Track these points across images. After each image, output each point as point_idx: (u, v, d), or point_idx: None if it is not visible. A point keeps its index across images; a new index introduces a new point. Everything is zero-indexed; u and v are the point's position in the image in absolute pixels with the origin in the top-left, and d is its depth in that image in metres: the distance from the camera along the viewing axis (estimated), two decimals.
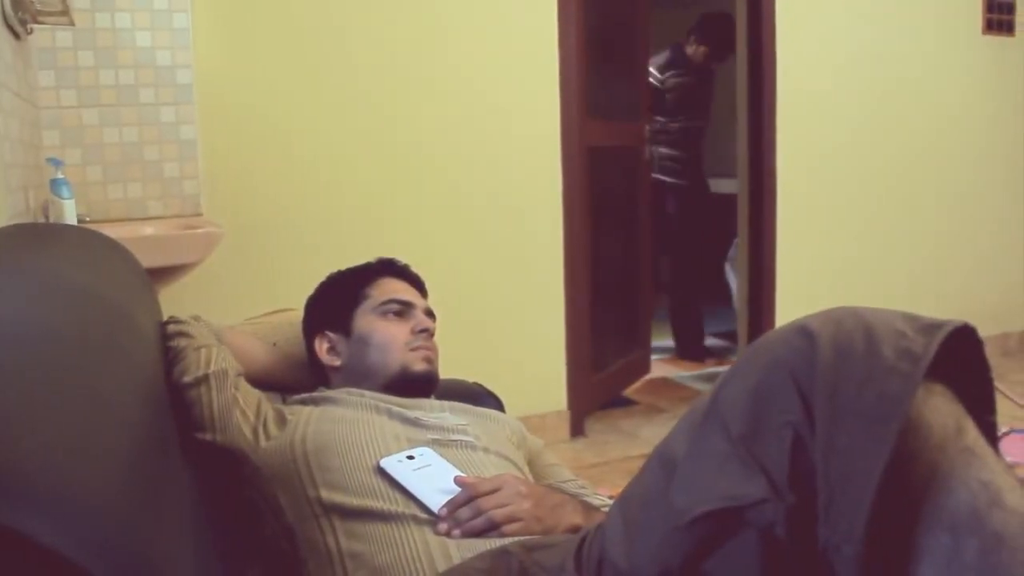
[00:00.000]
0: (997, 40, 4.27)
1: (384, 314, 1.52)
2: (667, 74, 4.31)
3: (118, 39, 2.55)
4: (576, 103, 3.23)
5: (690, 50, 4.33)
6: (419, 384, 1.48)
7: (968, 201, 4.26)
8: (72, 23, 2.23)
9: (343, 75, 2.85)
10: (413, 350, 1.49)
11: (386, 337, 1.49)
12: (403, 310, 1.53)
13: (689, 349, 4.53)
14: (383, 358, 1.48)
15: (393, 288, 1.56)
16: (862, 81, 3.90)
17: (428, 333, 1.52)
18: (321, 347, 1.54)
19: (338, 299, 1.57)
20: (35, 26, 2.22)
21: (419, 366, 1.49)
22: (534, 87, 3.16)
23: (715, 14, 4.31)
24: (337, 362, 1.52)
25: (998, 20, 4.26)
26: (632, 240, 3.87)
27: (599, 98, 3.46)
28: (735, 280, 4.31)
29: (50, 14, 2.11)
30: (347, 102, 2.86)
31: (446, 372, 1.58)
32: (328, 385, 1.52)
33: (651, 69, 4.13)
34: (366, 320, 1.52)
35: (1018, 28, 4.33)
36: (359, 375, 1.49)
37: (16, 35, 2.04)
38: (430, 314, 1.58)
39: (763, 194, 3.73)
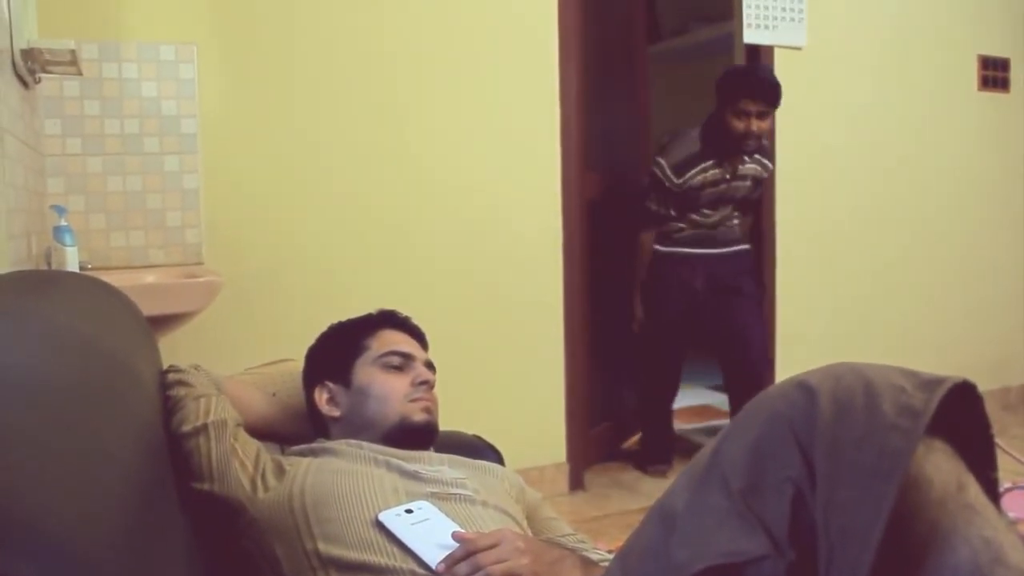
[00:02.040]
0: (992, 96, 4.33)
1: (384, 366, 1.52)
2: (689, 173, 3.32)
3: (124, 89, 2.58)
4: (576, 157, 3.26)
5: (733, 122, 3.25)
6: (418, 435, 1.47)
7: (966, 255, 4.28)
8: (80, 73, 2.26)
9: (346, 128, 2.88)
10: (412, 402, 1.49)
11: (386, 389, 1.49)
12: (403, 362, 1.53)
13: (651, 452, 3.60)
14: (382, 410, 1.47)
15: (394, 340, 1.56)
16: (860, 136, 3.94)
17: (428, 385, 1.52)
18: (321, 398, 1.53)
19: (338, 350, 1.57)
20: (43, 75, 2.25)
21: (418, 417, 1.48)
22: (535, 142, 3.19)
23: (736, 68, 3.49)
24: (336, 413, 1.52)
25: (993, 77, 4.33)
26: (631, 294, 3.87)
27: (598, 151, 3.50)
28: None
29: (59, 64, 2.14)
30: (350, 155, 2.89)
31: (445, 424, 1.57)
32: (327, 436, 1.52)
33: (660, 162, 3.34)
34: (366, 372, 1.52)
35: (1013, 85, 4.40)
36: (358, 426, 1.48)
37: (25, 84, 2.07)
38: (430, 366, 1.57)
39: (763, 246, 3.75)
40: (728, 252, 3.52)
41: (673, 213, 3.42)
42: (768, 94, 3.24)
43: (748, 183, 3.45)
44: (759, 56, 3.69)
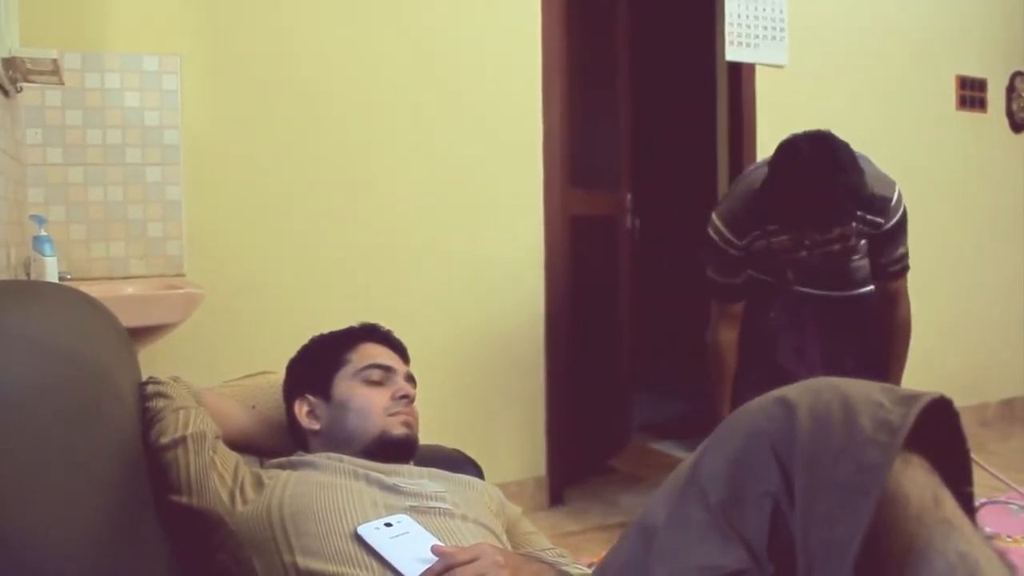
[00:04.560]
0: (970, 116, 4.38)
1: (365, 379, 1.51)
2: (749, 237, 2.50)
3: (107, 99, 2.57)
4: (559, 173, 3.27)
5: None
6: (398, 449, 1.47)
7: (944, 272, 4.31)
8: (62, 82, 2.25)
9: (328, 142, 2.88)
10: (392, 415, 1.48)
11: (366, 402, 1.49)
12: (384, 376, 1.53)
13: None
14: (362, 423, 1.47)
15: (374, 353, 1.56)
16: None
17: (408, 399, 1.52)
18: (301, 410, 1.53)
19: (319, 363, 1.56)
20: (25, 84, 2.24)
21: (398, 431, 1.48)
22: (517, 156, 3.19)
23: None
24: (316, 426, 1.51)
25: (971, 97, 4.38)
26: (613, 309, 3.89)
27: (581, 167, 3.51)
28: None
29: (41, 73, 2.13)
30: (332, 169, 2.89)
31: (426, 438, 1.57)
32: (307, 449, 1.51)
33: (721, 229, 2.54)
34: (346, 385, 1.51)
35: (990, 105, 4.45)
36: (338, 440, 1.47)
37: (6, 93, 2.06)
38: (411, 380, 1.57)
39: None
40: None
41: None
42: (819, 224, 2.32)
43: (836, 247, 2.42)
44: (741, 80, 3.71)
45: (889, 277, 2.63)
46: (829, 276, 2.57)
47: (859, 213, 2.41)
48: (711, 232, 2.53)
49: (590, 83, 3.62)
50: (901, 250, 2.58)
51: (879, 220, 2.48)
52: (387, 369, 1.54)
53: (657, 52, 5.17)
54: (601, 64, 3.78)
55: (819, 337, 2.57)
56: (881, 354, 2.66)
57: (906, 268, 2.64)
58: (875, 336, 2.69)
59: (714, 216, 2.54)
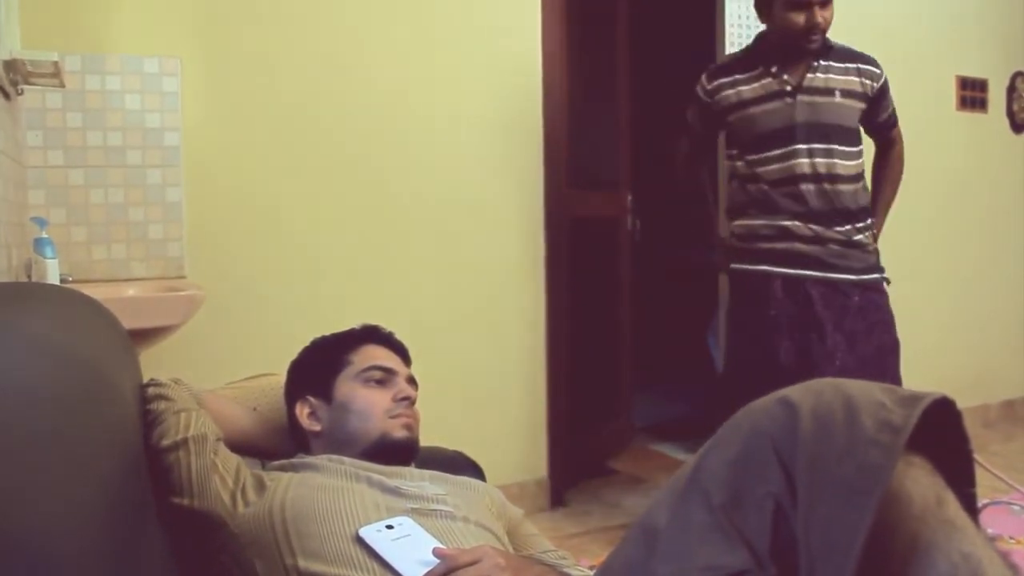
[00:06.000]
0: (971, 116, 4.38)
1: (366, 381, 1.51)
2: (716, 82, 2.63)
3: (107, 101, 2.57)
4: (560, 174, 3.27)
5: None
6: (399, 451, 1.47)
7: (946, 272, 4.32)
8: (63, 85, 2.25)
9: (329, 144, 2.88)
10: (393, 417, 1.48)
11: (367, 404, 1.49)
12: (385, 377, 1.53)
13: None
14: (363, 425, 1.47)
15: (376, 355, 1.56)
16: None
17: (409, 401, 1.52)
18: (302, 412, 1.52)
19: (320, 365, 1.56)
20: (26, 87, 2.24)
21: (399, 433, 1.48)
22: (518, 157, 3.19)
23: None
24: (317, 427, 1.51)
25: (971, 97, 4.38)
26: (614, 310, 3.89)
27: (582, 168, 3.51)
28: (718, 352, 4.32)
29: (42, 76, 2.13)
30: (332, 170, 2.89)
31: (426, 440, 1.57)
32: (308, 451, 1.51)
33: (702, 75, 2.69)
34: (348, 386, 1.51)
35: (991, 105, 4.45)
36: (339, 441, 1.47)
37: (7, 95, 2.06)
38: (412, 382, 1.57)
39: None
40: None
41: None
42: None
43: (836, 98, 2.53)
44: None
45: (890, 128, 2.77)
46: (815, 130, 2.51)
47: (856, 66, 2.58)
48: (697, 92, 2.69)
49: (591, 84, 3.62)
50: (892, 104, 2.73)
51: (877, 71, 2.63)
52: (388, 371, 1.54)
53: (657, 53, 5.16)
54: (601, 65, 3.78)
55: (826, 334, 2.50)
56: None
57: (897, 118, 2.79)
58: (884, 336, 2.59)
59: (702, 78, 2.68)
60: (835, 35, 2.63)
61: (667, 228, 5.18)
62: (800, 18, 2.44)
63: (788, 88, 2.51)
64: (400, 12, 2.97)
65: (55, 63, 2.05)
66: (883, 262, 2.69)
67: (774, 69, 2.53)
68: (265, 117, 2.79)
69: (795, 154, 2.51)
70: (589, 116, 3.60)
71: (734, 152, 2.66)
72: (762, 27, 2.63)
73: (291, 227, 2.84)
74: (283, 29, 2.80)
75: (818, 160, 2.51)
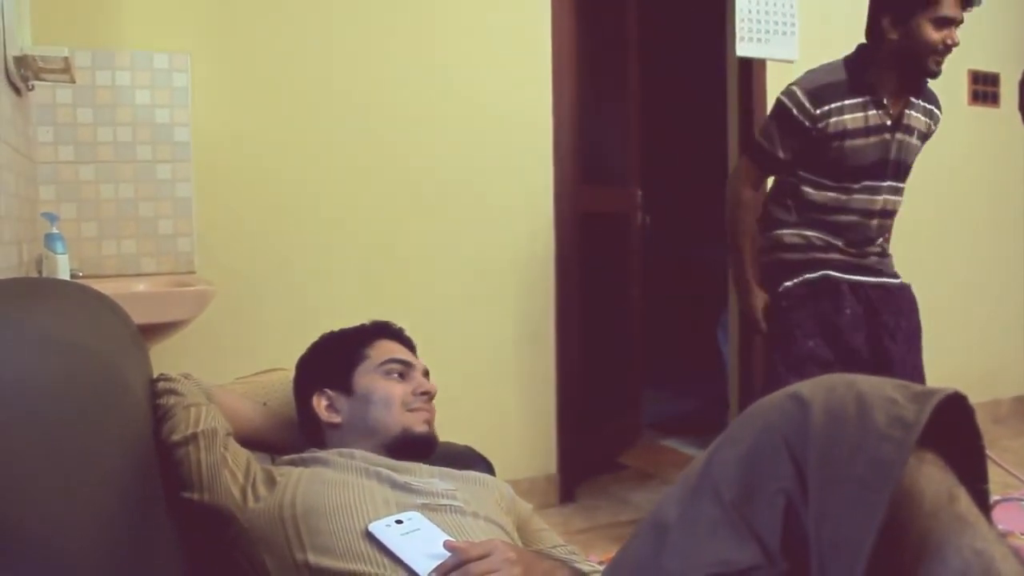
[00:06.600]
0: (983, 111, 4.36)
1: (387, 373, 1.52)
2: (825, 107, 2.40)
3: (117, 97, 2.58)
4: (570, 170, 3.26)
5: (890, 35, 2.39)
6: (420, 446, 1.48)
7: (958, 268, 4.30)
8: (73, 80, 2.26)
9: (339, 137, 2.88)
10: (413, 411, 1.49)
11: (388, 394, 1.49)
12: (404, 370, 1.54)
13: None
14: (385, 416, 1.48)
15: (392, 349, 1.57)
16: None
17: (428, 396, 1.53)
18: (320, 404, 1.52)
19: (337, 358, 1.56)
20: (36, 83, 2.25)
21: (420, 428, 1.49)
22: (528, 153, 3.19)
23: None
24: (337, 419, 1.51)
25: (983, 91, 4.36)
26: (623, 306, 3.88)
27: (592, 164, 3.50)
28: (727, 346, 4.32)
29: (52, 71, 2.14)
30: (342, 166, 2.89)
31: (438, 434, 1.57)
32: (321, 445, 1.51)
33: (796, 93, 2.44)
34: (369, 378, 1.52)
35: (1003, 100, 4.42)
36: (360, 432, 1.48)
37: (17, 91, 2.06)
38: (427, 375, 1.58)
39: None
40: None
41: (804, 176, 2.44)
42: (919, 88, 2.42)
43: (914, 139, 2.50)
44: (751, 76, 3.70)
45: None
46: (898, 169, 2.47)
47: (931, 108, 2.54)
48: (785, 100, 2.43)
49: (600, 80, 3.62)
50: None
51: (939, 114, 2.59)
52: (407, 364, 1.55)
53: (667, 48, 5.15)
54: (611, 61, 3.77)
55: (895, 333, 2.49)
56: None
57: None
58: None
59: (793, 87, 2.44)
60: (845, 29, 2.61)
61: (677, 224, 5.18)
62: (939, 36, 2.32)
63: (888, 123, 2.42)
64: (411, 8, 2.96)
65: (65, 59, 2.06)
66: (896, 255, 2.70)
67: (885, 101, 2.40)
68: (275, 113, 2.79)
69: (879, 191, 2.47)
70: (599, 111, 3.59)
71: (810, 177, 2.47)
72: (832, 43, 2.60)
73: (301, 222, 2.84)
74: (293, 24, 2.80)
75: (888, 197, 2.50)
